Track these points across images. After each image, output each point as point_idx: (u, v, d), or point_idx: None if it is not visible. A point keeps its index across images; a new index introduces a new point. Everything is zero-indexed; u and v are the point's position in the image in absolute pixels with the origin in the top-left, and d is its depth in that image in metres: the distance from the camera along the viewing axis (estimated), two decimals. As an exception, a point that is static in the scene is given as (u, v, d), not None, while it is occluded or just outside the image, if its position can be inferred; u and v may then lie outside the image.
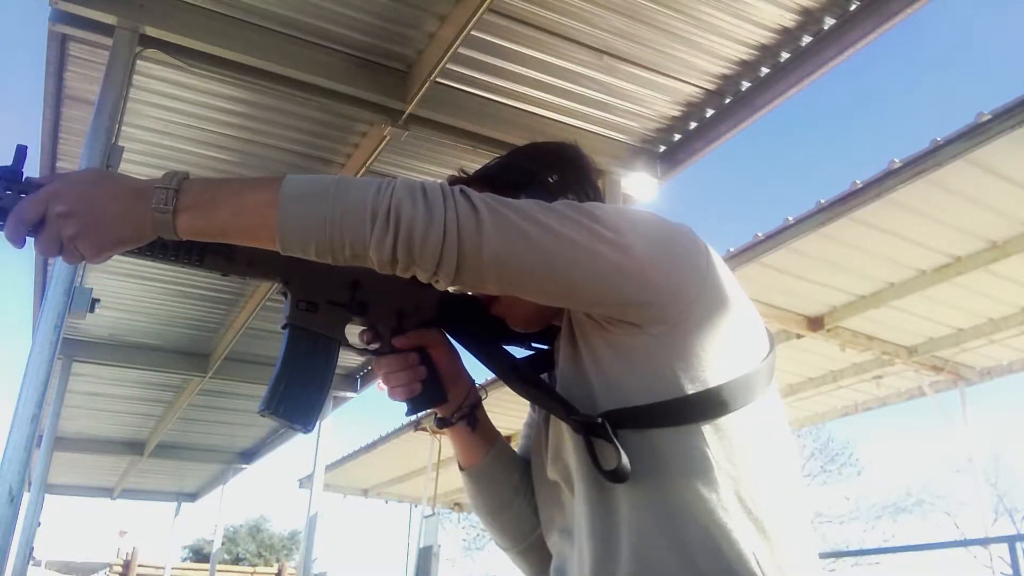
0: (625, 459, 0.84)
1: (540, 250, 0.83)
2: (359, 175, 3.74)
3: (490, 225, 0.82)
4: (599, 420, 0.87)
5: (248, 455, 9.72)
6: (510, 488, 1.12)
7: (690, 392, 0.86)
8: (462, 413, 1.10)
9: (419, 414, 1.08)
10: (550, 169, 1.08)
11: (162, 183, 0.83)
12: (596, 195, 1.10)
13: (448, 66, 3.07)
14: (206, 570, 13.51)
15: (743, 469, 0.86)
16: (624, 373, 0.90)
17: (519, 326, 1.08)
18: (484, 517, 1.14)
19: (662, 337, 0.88)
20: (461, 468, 1.14)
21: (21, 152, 0.85)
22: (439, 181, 0.87)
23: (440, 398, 1.08)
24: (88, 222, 0.81)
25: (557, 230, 0.84)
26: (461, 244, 0.81)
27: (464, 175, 1.12)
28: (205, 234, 0.85)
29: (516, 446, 1.21)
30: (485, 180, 1.09)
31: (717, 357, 0.89)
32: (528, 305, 1.02)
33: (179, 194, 0.83)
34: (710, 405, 0.87)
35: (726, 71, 3.26)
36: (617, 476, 0.85)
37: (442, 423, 1.12)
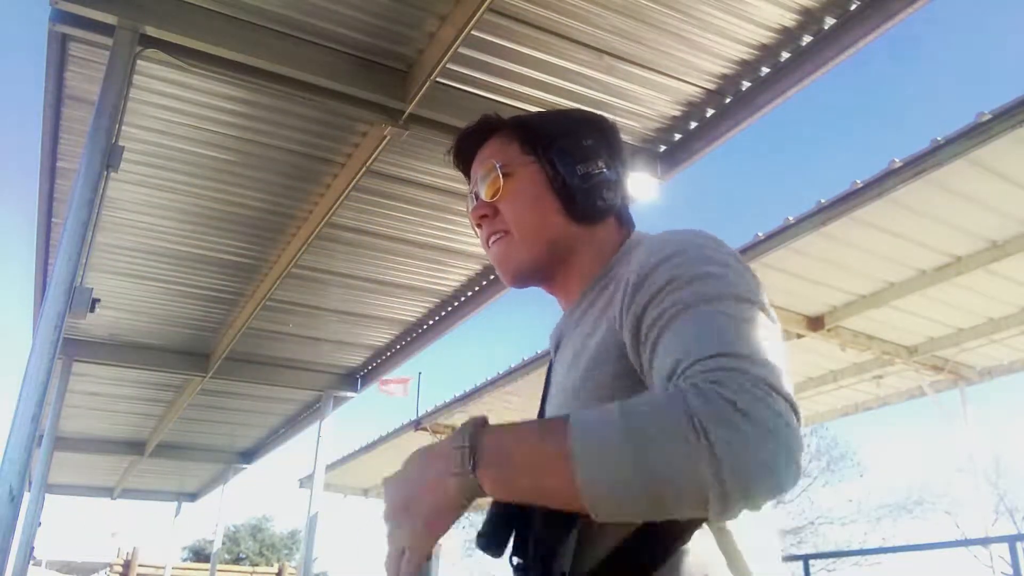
0: None
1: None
2: (359, 175, 3.74)
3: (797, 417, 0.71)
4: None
5: (248, 455, 9.73)
6: None
7: None
8: None
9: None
10: (586, 132, 1.06)
11: (457, 442, 0.76)
12: (624, 170, 1.08)
13: (448, 66, 3.07)
14: (206, 570, 13.51)
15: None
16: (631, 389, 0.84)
17: (512, 279, 1.05)
18: None
19: None
20: None
21: None
22: (732, 369, 0.70)
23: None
24: (411, 528, 0.80)
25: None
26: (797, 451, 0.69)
27: (495, 118, 1.09)
28: (510, 496, 0.76)
29: None
30: (518, 126, 1.07)
31: None
32: (529, 264, 1.01)
33: (476, 451, 0.75)
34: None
35: (726, 71, 3.26)
36: None
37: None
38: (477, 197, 1.06)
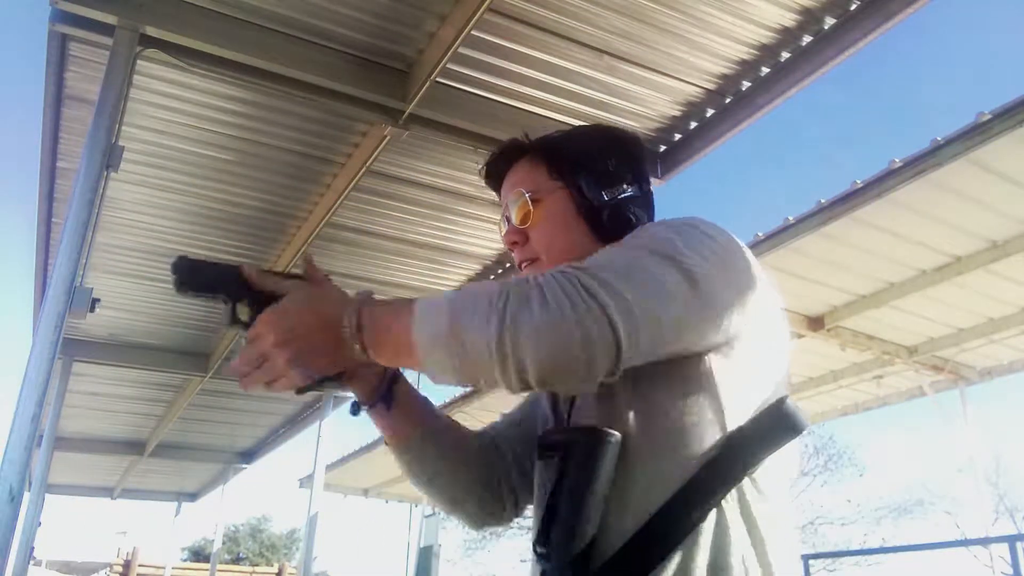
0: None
1: (663, 335, 0.82)
2: (359, 175, 3.74)
3: (627, 333, 0.77)
4: None
5: (248, 455, 9.73)
6: (441, 462, 1.12)
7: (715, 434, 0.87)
8: (379, 395, 1.07)
9: (321, 392, 1.04)
10: (611, 155, 1.08)
11: (347, 318, 0.87)
12: (648, 188, 1.10)
13: (448, 66, 3.07)
14: (206, 570, 13.51)
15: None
16: (654, 376, 0.88)
17: None
18: (415, 484, 1.15)
19: (711, 351, 0.88)
20: (386, 443, 1.14)
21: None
22: (561, 273, 0.80)
23: (337, 378, 0.97)
24: (299, 355, 0.88)
25: (667, 308, 0.81)
26: (598, 359, 0.77)
27: (523, 141, 1.12)
28: (386, 363, 0.90)
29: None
30: (546, 151, 1.10)
31: (753, 382, 0.90)
32: None
33: (360, 330, 0.86)
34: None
35: (726, 71, 3.26)
36: None
37: (357, 409, 1.09)
38: (509, 221, 1.10)
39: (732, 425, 0.87)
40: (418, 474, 1.13)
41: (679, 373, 0.88)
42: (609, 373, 0.79)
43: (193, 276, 0.95)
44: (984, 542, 7.30)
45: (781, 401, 0.90)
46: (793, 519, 0.93)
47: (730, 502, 0.84)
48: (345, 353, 0.87)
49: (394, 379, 1.08)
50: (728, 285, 0.88)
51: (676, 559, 0.81)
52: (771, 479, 0.88)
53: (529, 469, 1.10)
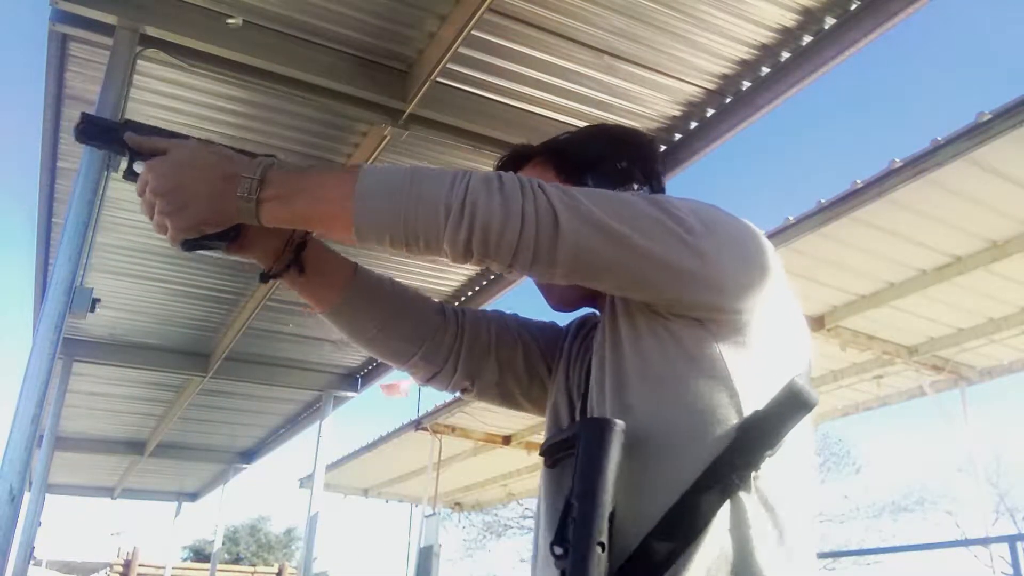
0: None
1: (616, 247, 0.84)
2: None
3: (567, 220, 0.83)
4: None
5: (248, 455, 9.73)
6: (374, 326, 1.11)
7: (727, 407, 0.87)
8: (285, 262, 1.03)
9: (205, 250, 0.97)
10: (620, 154, 1.08)
11: (248, 171, 0.87)
12: (660, 186, 1.10)
13: (448, 66, 3.07)
14: (207, 570, 13.51)
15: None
16: (664, 366, 0.89)
17: (558, 304, 1.09)
18: (358, 345, 1.16)
19: (721, 337, 0.88)
20: (312, 312, 1.13)
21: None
22: (517, 175, 0.87)
23: (228, 236, 0.94)
24: (177, 203, 0.88)
25: (633, 227, 0.84)
26: (539, 240, 0.82)
27: (530, 146, 1.12)
28: (284, 223, 0.89)
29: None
30: (553, 153, 1.10)
31: (766, 368, 0.90)
32: (574, 288, 1.03)
33: (263, 184, 0.87)
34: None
35: (726, 71, 3.26)
36: None
37: (265, 277, 1.05)
38: None
39: (748, 411, 0.87)
40: (357, 337, 1.13)
41: (690, 360, 0.88)
42: (541, 270, 0.85)
43: (92, 128, 1.03)
44: (984, 542, 7.30)
45: (790, 381, 0.89)
46: (813, 504, 0.92)
47: (749, 488, 0.84)
48: (227, 208, 0.88)
49: (302, 245, 1.03)
50: (735, 257, 0.89)
51: (698, 550, 0.81)
52: (790, 463, 0.88)
53: (497, 350, 1.14)
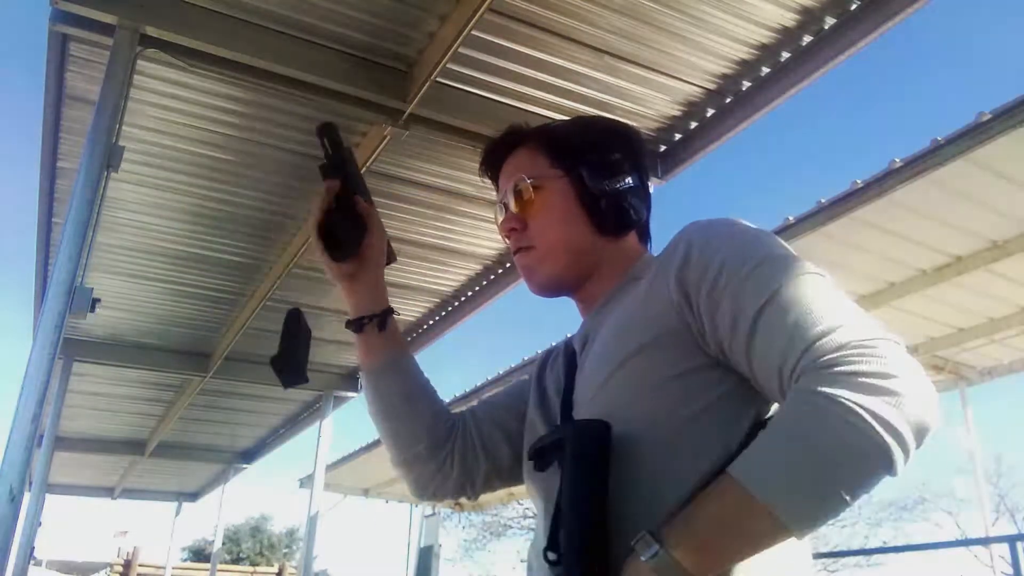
0: None
1: None
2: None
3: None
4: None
5: (248, 455, 9.73)
6: (401, 397, 1.14)
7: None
8: (381, 317, 1.15)
9: (327, 251, 1.15)
10: (612, 146, 1.08)
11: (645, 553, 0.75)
12: (646, 178, 1.11)
13: (448, 66, 3.07)
14: (207, 570, 13.52)
15: None
16: (671, 368, 0.89)
17: (538, 289, 1.09)
18: (375, 420, 1.17)
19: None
20: (360, 367, 1.18)
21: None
22: (861, 344, 0.75)
23: (352, 244, 1.16)
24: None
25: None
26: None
27: (524, 127, 1.13)
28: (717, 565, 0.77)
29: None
30: (546, 139, 1.10)
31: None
32: (558, 276, 1.04)
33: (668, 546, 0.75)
34: None
35: (726, 70, 3.26)
36: None
37: (355, 325, 1.15)
38: (506, 208, 1.09)
39: (762, 412, 0.87)
40: (381, 401, 1.16)
41: (701, 366, 0.88)
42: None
43: (330, 135, 1.24)
44: (984, 542, 7.29)
45: None
46: None
47: None
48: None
49: (389, 312, 1.16)
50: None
51: None
52: None
53: (487, 448, 1.14)
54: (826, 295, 0.83)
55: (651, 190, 1.13)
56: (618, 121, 1.16)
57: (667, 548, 0.74)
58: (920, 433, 0.71)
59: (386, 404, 1.15)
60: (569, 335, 1.16)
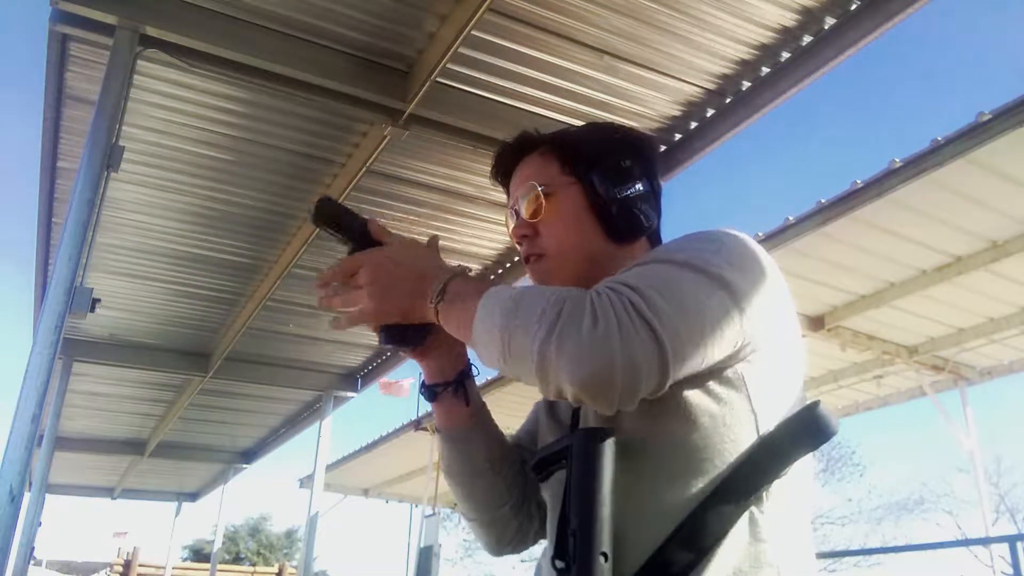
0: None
1: (713, 342, 0.82)
2: (359, 175, 3.74)
3: (673, 352, 0.77)
4: None
5: (248, 455, 9.73)
6: (485, 458, 1.11)
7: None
8: (455, 383, 1.08)
9: (394, 349, 1.12)
10: (624, 153, 1.07)
11: (439, 279, 0.92)
12: (657, 185, 1.10)
13: (448, 66, 3.07)
14: (207, 570, 13.51)
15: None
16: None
17: None
18: (455, 482, 1.14)
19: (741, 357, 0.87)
20: (438, 430, 1.13)
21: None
22: (610, 288, 0.80)
23: (418, 338, 1.04)
24: (377, 303, 0.95)
25: (714, 311, 0.82)
26: (655, 379, 0.77)
27: (535, 133, 1.12)
28: (451, 331, 0.92)
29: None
30: (558, 146, 1.09)
31: (781, 381, 0.90)
32: (566, 276, 1.04)
33: (443, 296, 0.90)
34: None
35: (726, 71, 3.26)
36: None
37: (427, 393, 1.10)
38: (517, 215, 1.09)
39: (764, 428, 0.86)
40: (463, 463, 1.12)
41: (707, 376, 0.87)
42: (653, 393, 0.78)
43: (326, 214, 1.06)
44: (984, 542, 7.29)
45: (815, 405, 0.88)
46: (811, 509, 0.92)
47: (763, 500, 0.84)
48: (419, 308, 0.93)
49: (467, 374, 1.10)
50: (756, 290, 0.88)
51: (715, 560, 0.80)
52: (796, 481, 0.87)
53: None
54: (685, 285, 0.81)
55: (661, 193, 1.11)
56: (631, 128, 1.16)
57: (447, 287, 0.90)
58: (561, 373, 0.76)
59: (469, 467, 1.12)
60: None
